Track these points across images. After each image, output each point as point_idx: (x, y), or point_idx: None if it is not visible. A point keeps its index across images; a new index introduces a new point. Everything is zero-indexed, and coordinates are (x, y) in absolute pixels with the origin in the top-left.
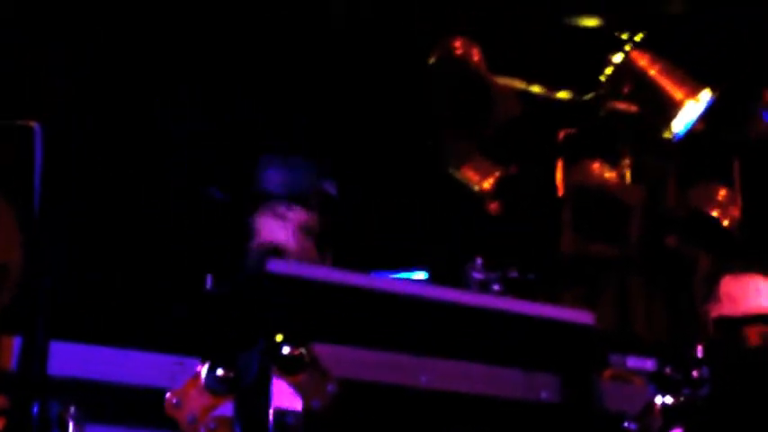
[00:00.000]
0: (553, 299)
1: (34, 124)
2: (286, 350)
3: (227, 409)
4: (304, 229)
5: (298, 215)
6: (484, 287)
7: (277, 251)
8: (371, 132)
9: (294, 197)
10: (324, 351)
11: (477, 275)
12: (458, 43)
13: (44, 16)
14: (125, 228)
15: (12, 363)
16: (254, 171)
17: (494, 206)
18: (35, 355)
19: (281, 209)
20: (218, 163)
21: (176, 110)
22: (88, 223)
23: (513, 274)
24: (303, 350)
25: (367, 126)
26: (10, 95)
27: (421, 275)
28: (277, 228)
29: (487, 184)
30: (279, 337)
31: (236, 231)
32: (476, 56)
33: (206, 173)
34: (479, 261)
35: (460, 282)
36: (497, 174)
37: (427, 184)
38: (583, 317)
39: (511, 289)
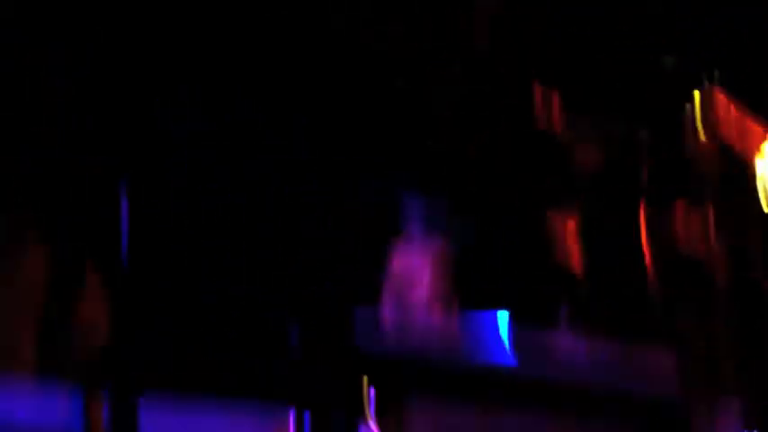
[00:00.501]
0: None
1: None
2: (376, 401)
3: None
4: (439, 262)
5: (434, 248)
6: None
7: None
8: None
9: (430, 231)
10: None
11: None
12: (537, 94)
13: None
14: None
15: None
16: (395, 206)
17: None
18: (126, 411)
19: (418, 242)
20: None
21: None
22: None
23: None
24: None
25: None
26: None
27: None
28: (413, 259)
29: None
30: (368, 388)
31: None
32: (555, 105)
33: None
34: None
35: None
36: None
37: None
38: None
39: None
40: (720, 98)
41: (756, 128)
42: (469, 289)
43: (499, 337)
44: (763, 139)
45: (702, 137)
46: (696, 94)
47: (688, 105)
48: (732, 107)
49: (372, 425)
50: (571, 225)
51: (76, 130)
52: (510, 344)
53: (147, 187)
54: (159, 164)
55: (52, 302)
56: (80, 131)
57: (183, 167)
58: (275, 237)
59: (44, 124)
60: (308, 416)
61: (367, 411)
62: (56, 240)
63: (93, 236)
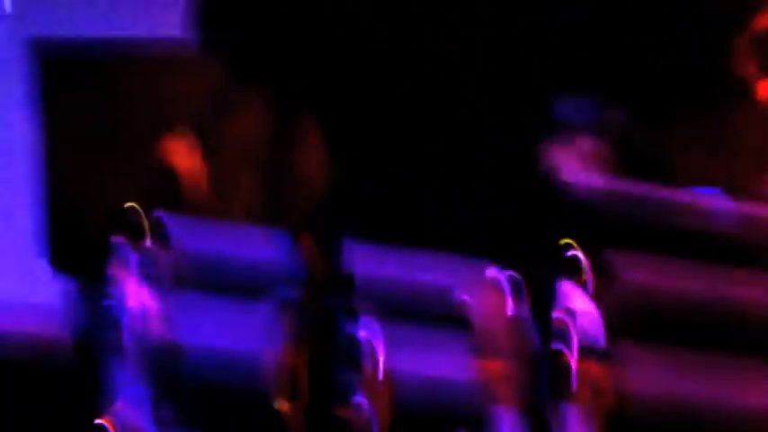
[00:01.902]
0: None
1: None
2: (573, 255)
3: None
4: (592, 157)
5: (586, 144)
6: None
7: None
8: None
9: (584, 127)
10: (614, 258)
11: None
12: None
13: None
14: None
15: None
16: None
17: None
18: (334, 254)
19: (572, 138)
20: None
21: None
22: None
23: None
24: (585, 255)
25: None
26: None
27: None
28: (567, 155)
29: None
30: (566, 242)
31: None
32: None
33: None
34: None
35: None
36: None
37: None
38: None
39: None
40: None
41: None
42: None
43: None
44: None
45: None
46: None
47: None
48: None
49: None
50: None
51: None
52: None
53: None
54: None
55: (273, 155)
56: None
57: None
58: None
59: None
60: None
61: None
62: (277, 97)
63: (311, 94)
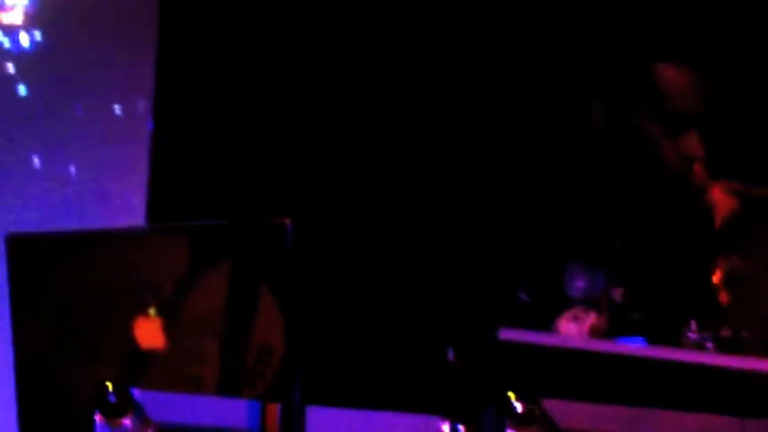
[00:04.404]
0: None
1: (287, 221)
2: (518, 407)
3: None
4: (594, 331)
5: (590, 318)
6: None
7: None
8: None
9: (590, 302)
10: (553, 406)
11: (693, 336)
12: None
13: None
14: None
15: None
16: (561, 278)
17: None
18: (295, 420)
19: (579, 312)
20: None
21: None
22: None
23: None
24: (533, 406)
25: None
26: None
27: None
28: (572, 329)
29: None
30: (511, 396)
31: None
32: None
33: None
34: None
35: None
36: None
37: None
38: None
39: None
40: None
41: None
42: None
43: None
44: None
45: None
46: None
47: None
48: None
49: None
50: None
51: None
52: None
53: None
54: None
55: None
56: None
57: None
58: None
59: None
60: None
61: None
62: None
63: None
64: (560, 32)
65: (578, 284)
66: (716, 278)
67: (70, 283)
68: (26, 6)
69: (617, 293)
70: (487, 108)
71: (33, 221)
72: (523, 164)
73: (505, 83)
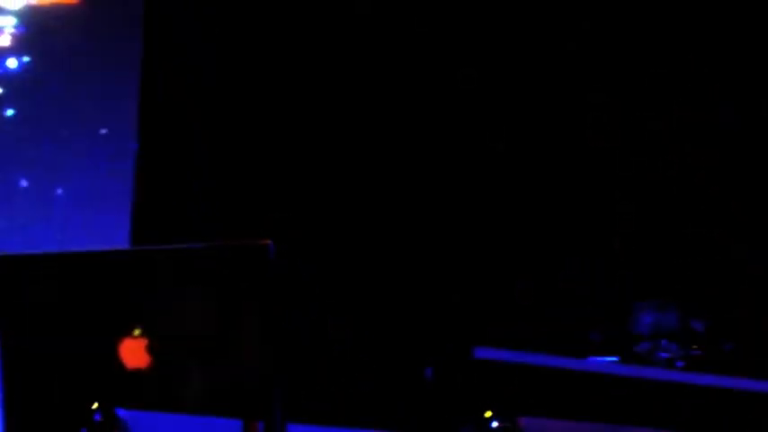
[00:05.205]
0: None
1: (268, 243)
2: (495, 424)
3: None
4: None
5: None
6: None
7: None
8: None
9: (663, 337)
10: (529, 423)
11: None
12: None
13: None
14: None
15: None
16: (630, 316)
17: None
18: None
19: (646, 350)
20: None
21: None
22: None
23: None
24: (509, 423)
25: None
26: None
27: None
28: None
29: None
30: (488, 414)
31: None
32: None
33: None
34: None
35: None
36: None
37: None
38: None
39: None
40: None
41: None
42: None
43: None
44: None
45: None
46: None
47: None
48: None
49: None
50: None
51: None
52: None
53: None
54: None
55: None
56: None
57: None
58: None
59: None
60: None
61: None
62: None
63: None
64: (560, 32)
65: (646, 320)
66: None
67: (56, 305)
68: (14, 29)
69: (698, 325)
70: (487, 108)
71: (18, 243)
72: (523, 164)
73: (505, 83)
